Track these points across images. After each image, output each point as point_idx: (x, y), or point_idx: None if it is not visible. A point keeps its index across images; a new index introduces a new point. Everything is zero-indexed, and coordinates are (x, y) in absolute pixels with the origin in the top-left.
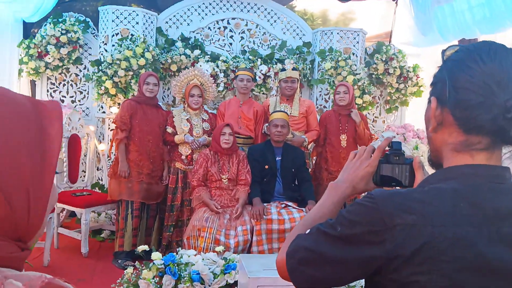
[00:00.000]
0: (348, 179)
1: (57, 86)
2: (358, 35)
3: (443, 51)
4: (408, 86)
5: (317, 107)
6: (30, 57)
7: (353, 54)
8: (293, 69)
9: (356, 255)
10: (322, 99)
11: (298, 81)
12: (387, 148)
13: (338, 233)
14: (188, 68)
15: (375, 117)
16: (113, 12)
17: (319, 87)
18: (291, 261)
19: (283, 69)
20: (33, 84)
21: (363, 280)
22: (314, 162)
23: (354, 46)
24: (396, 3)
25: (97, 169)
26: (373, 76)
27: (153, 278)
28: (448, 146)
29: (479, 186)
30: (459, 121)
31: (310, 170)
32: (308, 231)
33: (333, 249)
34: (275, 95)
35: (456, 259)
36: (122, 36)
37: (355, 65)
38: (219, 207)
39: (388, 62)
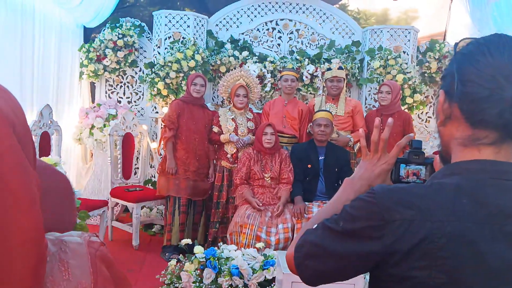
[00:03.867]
0: (364, 176)
1: (114, 88)
2: (410, 33)
3: (456, 44)
4: None
5: (366, 107)
6: (89, 60)
7: (404, 52)
8: (339, 68)
9: (356, 249)
10: (371, 98)
11: (344, 81)
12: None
13: (340, 228)
14: (236, 69)
15: (428, 117)
16: (166, 16)
17: (368, 86)
18: (298, 254)
19: (330, 69)
20: (92, 86)
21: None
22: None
23: (405, 44)
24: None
25: (150, 167)
26: (426, 75)
27: (194, 271)
28: (456, 140)
29: (484, 182)
30: (466, 115)
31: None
32: (315, 226)
33: (335, 243)
34: (321, 95)
35: (455, 255)
36: (174, 39)
37: (406, 64)
38: (261, 204)
39: (442, 60)
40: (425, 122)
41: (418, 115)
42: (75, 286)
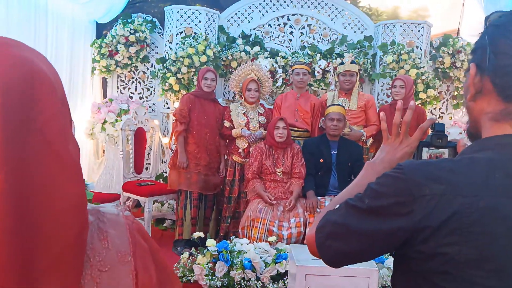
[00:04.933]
0: (385, 159)
1: (126, 83)
2: (423, 27)
3: (487, 17)
4: None
5: (378, 102)
6: (102, 56)
7: (417, 47)
8: (352, 62)
9: (383, 227)
10: (384, 93)
11: (357, 75)
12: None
13: (366, 206)
14: (247, 63)
15: (441, 112)
16: (177, 12)
17: (380, 81)
18: (319, 235)
19: (342, 63)
20: (104, 81)
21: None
22: (372, 157)
23: (418, 39)
24: None
25: (162, 162)
26: (439, 70)
27: (207, 264)
28: (487, 115)
29: None
30: (498, 88)
31: None
32: (337, 206)
33: (360, 222)
34: (334, 90)
35: (487, 231)
36: (185, 34)
37: (419, 59)
38: (273, 198)
39: (455, 56)
40: (438, 117)
41: (431, 110)
42: (115, 254)
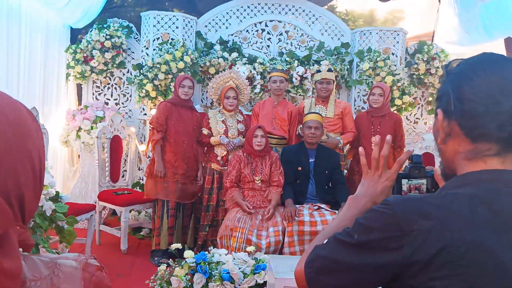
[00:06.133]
0: (367, 193)
1: (102, 89)
2: (398, 34)
3: (445, 66)
4: None
5: (355, 108)
6: (76, 62)
7: (393, 54)
8: (329, 70)
9: (373, 261)
10: (360, 100)
11: (333, 83)
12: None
13: (355, 240)
14: (225, 71)
15: (417, 118)
16: (154, 17)
17: (357, 88)
18: (309, 270)
19: (319, 71)
20: (79, 87)
21: None
22: (349, 164)
23: (394, 46)
24: (439, 1)
25: (138, 169)
26: (414, 76)
27: (184, 276)
28: (460, 155)
29: (496, 191)
30: (466, 131)
31: (345, 172)
32: (325, 240)
33: (350, 256)
34: (311, 97)
35: (474, 264)
36: (162, 40)
37: (395, 65)
38: (251, 207)
39: (430, 62)
40: (414, 123)
41: (407, 116)
42: None
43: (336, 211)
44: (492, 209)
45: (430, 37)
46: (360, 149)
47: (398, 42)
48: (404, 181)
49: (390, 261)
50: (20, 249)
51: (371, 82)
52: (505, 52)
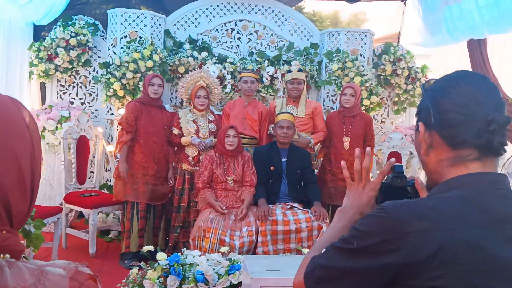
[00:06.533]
0: (354, 205)
1: (66, 88)
2: (366, 36)
3: (423, 85)
4: (416, 87)
5: (325, 109)
6: (40, 60)
7: (361, 55)
8: (299, 70)
9: (373, 265)
10: (330, 100)
11: (304, 83)
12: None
13: (354, 246)
14: (195, 70)
15: (383, 118)
16: (121, 15)
17: (326, 88)
18: (309, 281)
19: (290, 71)
20: (43, 86)
21: None
22: (320, 163)
23: (361, 47)
24: (405, 3)
25: (106, 170)
26: (381, 77)
27: (157, 278)
28: (443, 163)
29: (483, 192)
30: (446, 140)
31: (316, 171)
32: (323, 250)
33: (350, 262)
34: (282, 97)
35: (469, 261)
36: (130, 38)
37: (363, 66)
38: (224, 208)
39: (396, 63)
40: (380, 123)
41: (374, 116)
42: None
43: (309, 210)
44: (480, 209)
45: (395, 38)
46: (342, 162)
47: (365, 43)
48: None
49: (389, 263)
50: (8, 255)
51: (340, 82)
52: (468, 54)
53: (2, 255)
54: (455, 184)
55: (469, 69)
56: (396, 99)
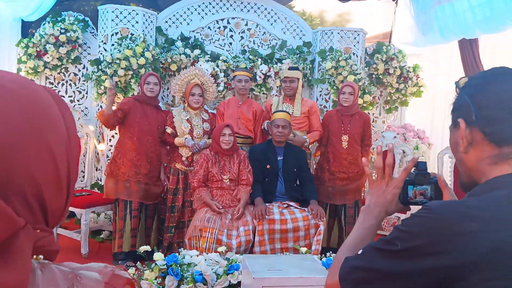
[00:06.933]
0: (379, 203)
1: (55, 86)
2: (359, 35)
3: (457, 82)
4: (408, 86)
5: (318, 107)
6: (28, 57)
7: (354, 54)
8: (292, 68)
9: (417, 268)
10: (322, 99)
11: (298, 81)
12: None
13: (399, 248)
14: (188, 68)
15: (375, 117)
16: (112, 11)
17: (319, 87)
18: (345, 283)
19: (282, 69)
20: None
21: None
22: (317, 162)
23: (354, 46)
24: (396, 3)
25: (96, 170)
26: (373, 76)
27: (155, 279)
28: (485, 161)
29: None
30: (490, 136)
31: (312, 170)
32: (360, 251)
33: (391, 264)
34: (276, 95)
35: None
36: (121, 35)
37: (356, 65)
38: (221, 207)
39: (389, 62)
40: (373, 122)
41: None
42: None
43: (305, 209)
44: None
45: (387, 37)
46: (363, 159)
47: (358, 42)
48: (409, 188)
49: (436, 266)
50: (41, 256)
51: (333, 81)
52: (459, 54)
53: (35, 256)
54: (499, 184)
55: (461, 69)
56: (388, 98)
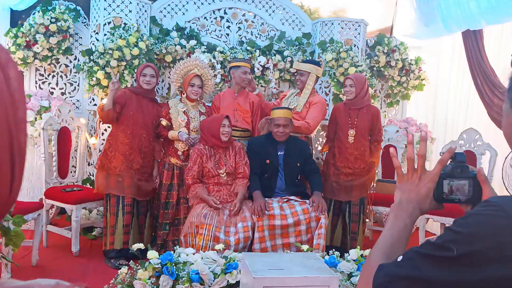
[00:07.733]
0: (412, 198)
1: (46, 77)
2: (360, 26)
3: None
4: (410, 79)
5: None
6: (18, 47)
7: (354, 45)
8: (308, 61)
9: (480, 277)
10: (322, 92)
11: (309, 75)
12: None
13: (455, 253)
14: (183, 59)
15: None
16: (105, 0)
17: (319, 79)
18: None
19: (280, 60)
20: None
21: None
22: (324, 156)
23: (355, 37)
24: None
25: (88, 164)
26: (374, 68)
27: (149, 279)
28: None
29: None
30: None
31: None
32: (400, 258)
33: (446, 273)
34: (291, 87)
35: None
36: (114, 25)
37: (357, 57)
38: (218, 202)
39: (390, 55)
40: None
41: None
42: None
43: (307, 201)
44: None
45: (387, 32)
46: (391, 150)
47: (359, 34)
48: (444, 182)
49: (503, 275)
50: None
51: (334, 73)
52: (463, 45)
53: None
54: None
55: (465, 60)
56: (389, 91)
